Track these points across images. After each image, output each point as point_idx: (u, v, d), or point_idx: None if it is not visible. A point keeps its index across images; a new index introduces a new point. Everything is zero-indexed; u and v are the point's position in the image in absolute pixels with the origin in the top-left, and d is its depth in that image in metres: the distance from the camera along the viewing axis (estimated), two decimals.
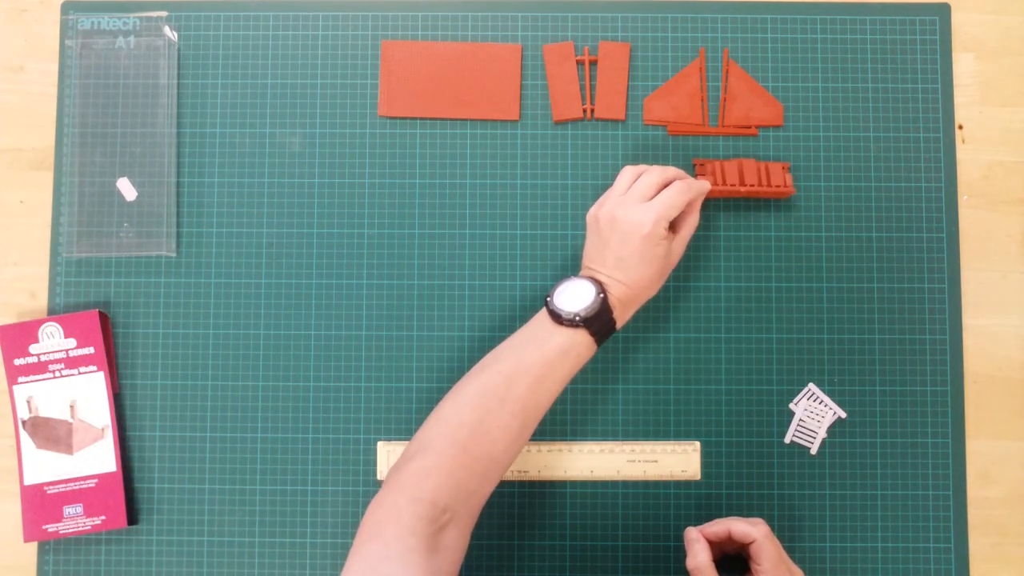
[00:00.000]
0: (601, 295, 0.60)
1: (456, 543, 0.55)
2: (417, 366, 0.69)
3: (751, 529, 0.60)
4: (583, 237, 0.70)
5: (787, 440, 0.68)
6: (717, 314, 0.70)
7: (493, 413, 0.57)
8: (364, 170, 0.71)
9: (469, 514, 0.57)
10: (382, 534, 0.53)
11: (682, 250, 0.65)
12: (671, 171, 0.64)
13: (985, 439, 0.69)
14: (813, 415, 0.67)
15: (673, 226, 0.64)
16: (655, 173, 0.63)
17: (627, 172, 0.64)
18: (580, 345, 0.60)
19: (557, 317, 0.60)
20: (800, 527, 0.68)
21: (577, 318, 0.59)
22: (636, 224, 0.60)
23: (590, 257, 0.63)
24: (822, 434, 0.67)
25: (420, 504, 0.54)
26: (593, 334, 0.60)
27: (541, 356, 0.59)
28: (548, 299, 0.61)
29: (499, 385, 0.58)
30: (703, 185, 0.65)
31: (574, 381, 0.69)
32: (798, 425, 0.67)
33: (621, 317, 0.62)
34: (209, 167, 0.71)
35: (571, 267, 0.70)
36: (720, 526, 0.61)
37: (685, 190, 0.62)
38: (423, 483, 0.55)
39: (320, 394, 0.69)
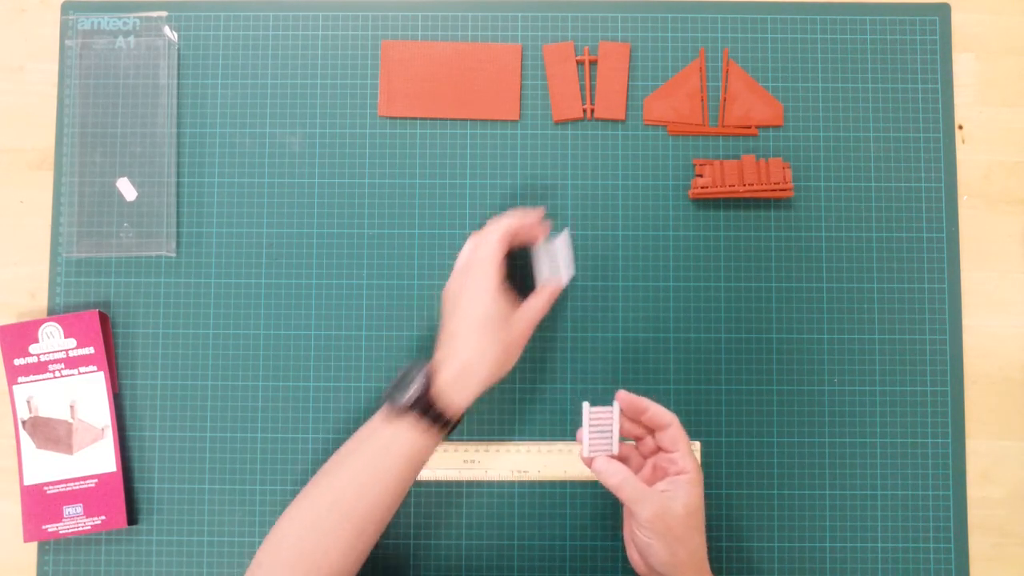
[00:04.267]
0: (423, 381, 0.57)
1: None
2: None
3: (668, 413, 0.58)
4: (582, 238, 0.70)
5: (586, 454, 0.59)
6: (717, 314, 0.70)
7: (321, 524, 0.55)
8: (364, 170, 0.71)
9: None
10: None
11: (528, 323, 0.61)
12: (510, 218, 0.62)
13: (985, 439, 0.69)
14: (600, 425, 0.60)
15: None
16: (484, 232, 0.61)
17: (467, 243, 0.63)
18: (406, 440, 0.57)
19: (386, 408, 0.58)
20: (800, 527, 0.68)
21: (398, 408, 0.57)
22: (460, 277, 0.59)
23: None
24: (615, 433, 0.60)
25: None
26: (420, 424, 0.57)
27: (367, 459, 0.57)
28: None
29: (325, 495, 0.56)
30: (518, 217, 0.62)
31: (575, 381, 0.69)
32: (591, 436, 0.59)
33: (455, 401, 0.58)
34: (209, 167, 0.71)
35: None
36: (640, 402, 0.59)
37: (509, 217, 0.61)
38: None
39: (320, 394, 0.69)
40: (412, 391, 0.57)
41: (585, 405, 0.58)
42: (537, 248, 0.65)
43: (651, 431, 0.60)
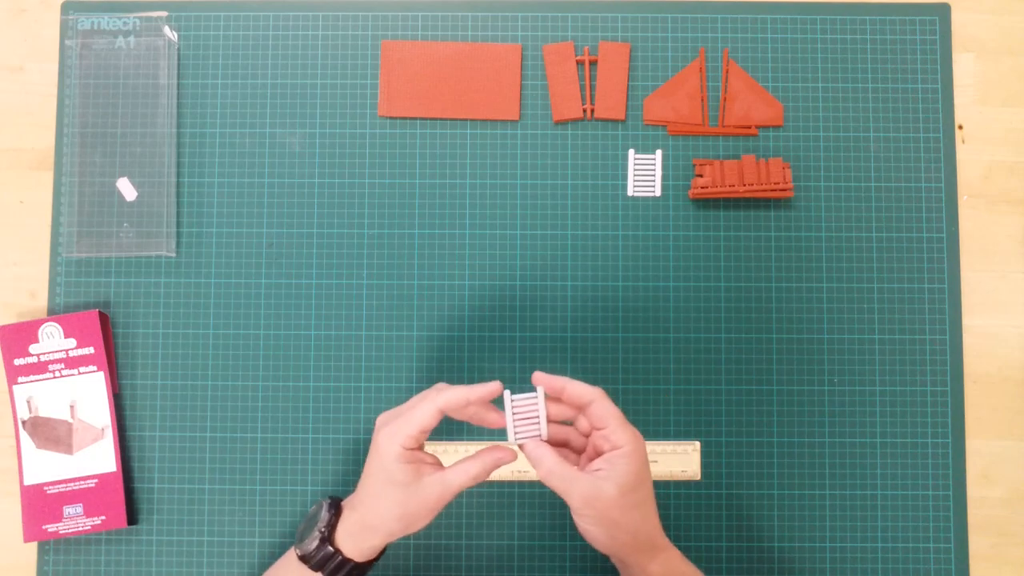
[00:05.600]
0: (323, 531, 0.55)
1: None
2: (417, 366, 0.69)
3: (588, 389, 0.54)
4: (583, 237, 0.70)
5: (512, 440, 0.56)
6: (717, 314, 0.70)
7: None
8: (364, 170, 0.71)
9: None
10: None
11: (444, 493, 0.53)
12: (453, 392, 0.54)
13: (985, 439, 0.69)
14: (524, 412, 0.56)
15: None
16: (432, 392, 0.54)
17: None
18: None
19: (294, 549, 0.56)
20: (800, 527, 0.68)
21: (302, 553, 0.55)
22: (388, 422, 0.54)
23: None
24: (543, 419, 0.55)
25: None
26: (323, 572, 0.55)
27: None
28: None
29: None
30: (454, 396, 0.53)
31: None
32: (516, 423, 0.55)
33: (356, 552, 0.55)
34: (209, 167, 0.71)
35: (569, 267, 0.70)
36: (556, 381, 0.54)
37: (430, 400, 0.53)
38: None
39: (320, 394, 0.69)
40: (312, 541, 0.55)
41: (506, 393, 0.54)
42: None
43: (580, 410, 0.55)
